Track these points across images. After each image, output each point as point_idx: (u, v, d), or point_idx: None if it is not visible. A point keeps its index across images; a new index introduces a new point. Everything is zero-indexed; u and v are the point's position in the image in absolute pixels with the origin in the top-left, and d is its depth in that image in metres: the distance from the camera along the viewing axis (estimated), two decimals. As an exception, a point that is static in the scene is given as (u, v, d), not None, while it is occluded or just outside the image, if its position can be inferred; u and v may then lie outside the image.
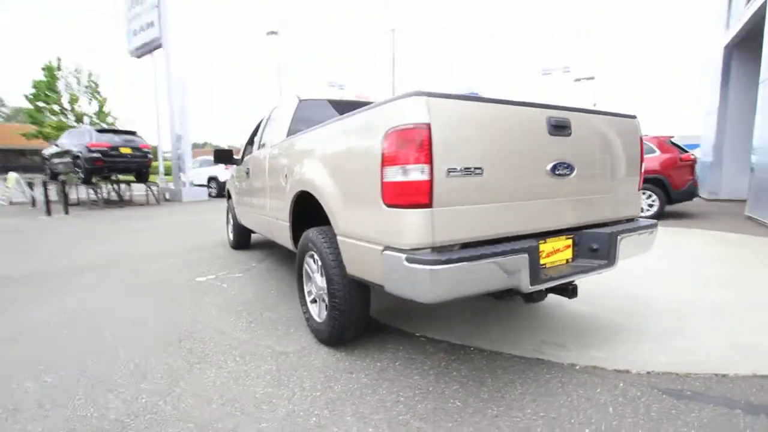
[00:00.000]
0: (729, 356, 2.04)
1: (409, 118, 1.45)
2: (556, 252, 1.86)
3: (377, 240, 1.62)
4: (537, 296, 1.83)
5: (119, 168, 11.18)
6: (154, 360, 2.15)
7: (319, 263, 2.21)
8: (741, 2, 7.78)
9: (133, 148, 11.23)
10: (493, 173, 1.60)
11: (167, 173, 15.41)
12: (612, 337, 2.29)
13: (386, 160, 1.52)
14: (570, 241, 1.94)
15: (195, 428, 1.57)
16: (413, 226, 1.47)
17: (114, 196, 12.45)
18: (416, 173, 1.45)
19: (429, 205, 1.46)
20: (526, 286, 1.64)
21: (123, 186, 12.61)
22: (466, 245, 1.59)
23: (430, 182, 1.45)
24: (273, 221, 3.12)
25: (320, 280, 2.26)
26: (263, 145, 3.55)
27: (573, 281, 1.92)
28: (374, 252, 1.64)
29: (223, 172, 15.46)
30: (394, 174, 1.50)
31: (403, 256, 1.46)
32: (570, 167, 1.85)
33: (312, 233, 2.28)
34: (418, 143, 1.43)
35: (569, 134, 1.85)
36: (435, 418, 1.60)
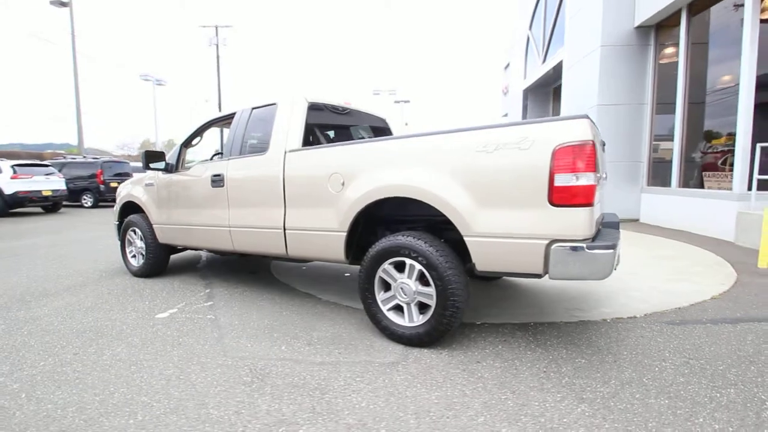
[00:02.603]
0: (668, 297, 3.14)
1: (580, 135, 1.83)
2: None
3: (541, 235, 1.91)
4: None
5: None
6: (267, 407, 1.79)
7: (417, 268, 2.28)
8: (537, 61, 11.00)
9: None
10: (599, 180, 2.14)
11: None
12: (600, 298, 3.15)
13: (558, 168, 1.84)
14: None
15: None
16: (586, 221, 1.84)
17: None
18: (586, 179, 1.83)
19: (592, 204, 1.86)
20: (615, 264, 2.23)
21: None
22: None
23: (595, 186, 1.86)
24: (295, 233, 2.84)
25: (413, 285, 2.32)
26: (258, 149, 3.14)
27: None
28: (534, 246, 1.93)
29: (8, 181, 11.30)
30: (567, 180, 1.84)
31: (584, 245, 1.82)
32: (605, 175, 2.55)
33: (405, 239, 2.30)
34: (588, 155, 1.83)
35: (603, 151, 2.57)
36: (585, 375, 1.99)
